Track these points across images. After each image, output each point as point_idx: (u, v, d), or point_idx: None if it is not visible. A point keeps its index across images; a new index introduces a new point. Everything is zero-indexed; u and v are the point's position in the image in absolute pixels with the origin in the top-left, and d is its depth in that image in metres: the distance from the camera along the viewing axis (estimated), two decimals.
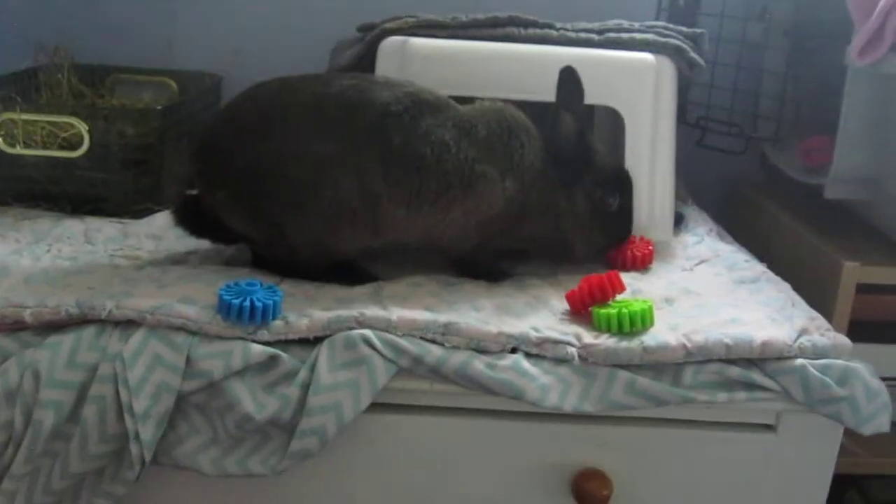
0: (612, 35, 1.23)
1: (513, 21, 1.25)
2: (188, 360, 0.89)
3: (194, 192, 1.07)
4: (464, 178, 1.01)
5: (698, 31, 1.27)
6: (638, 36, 1.22)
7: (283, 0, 1.56)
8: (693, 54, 1.23)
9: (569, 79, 1.06)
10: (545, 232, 1.07)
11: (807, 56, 1.34)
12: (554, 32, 1.24)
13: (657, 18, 1.45)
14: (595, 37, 1.23)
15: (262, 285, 0.93)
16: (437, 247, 1.06)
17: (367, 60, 1.25)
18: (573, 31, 1.25)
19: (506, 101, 1.09)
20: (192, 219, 1.07)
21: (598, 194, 1.08)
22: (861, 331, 1.12)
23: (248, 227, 1.02)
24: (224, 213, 1.02)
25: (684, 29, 1.26)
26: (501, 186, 1.02)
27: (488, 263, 1.08)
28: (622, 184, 1.11)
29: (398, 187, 0.99)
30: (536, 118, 1.09)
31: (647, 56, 1.20)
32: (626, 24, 1.27)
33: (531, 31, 1.24)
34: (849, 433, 0.94)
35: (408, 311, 0.94)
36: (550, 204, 1.06)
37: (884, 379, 0.94)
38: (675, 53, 1.22)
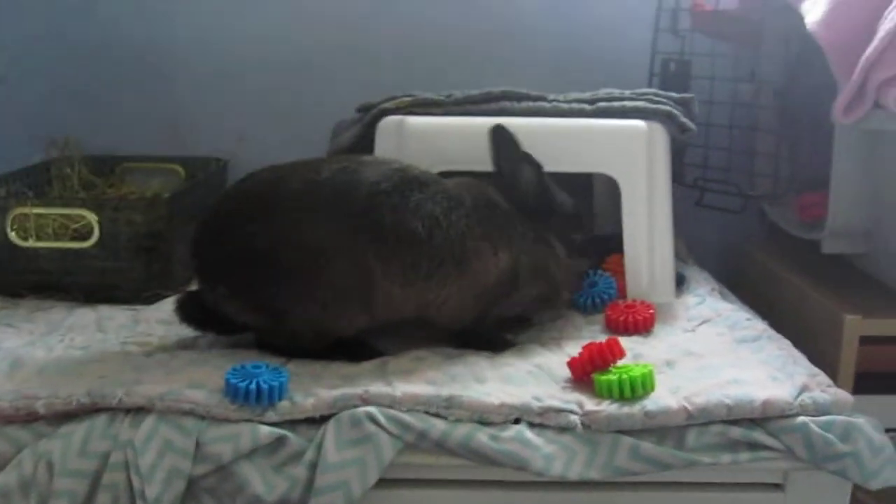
0: (603, 104, 1.26)
1: (506, 95, 1.29)
2: (198, 445, 0.90)
3: (194, 288, 1.10)
4: (455, 254, 1.04)
5: (688, 95, 1.30)
6: (629, 104, 1.26)
7: (284, 85, 1.61)
8: (683, 119, 1.26)
9: (501, 136, 1.12)
10: (540, 290, 1.11)
11: (798, 114, 1.36)
12: (546, 104, 1.27)
13: (649, 85, 1.48)
14: (587, 107, 1.26)
15: (267, 367, 0.95)
16: (436, 322, 1.08)
17: (366, 140, 1.29)
18: (565, 101, 1.28)
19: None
20: (196, 314, 1.10)
21: (568, 235, 1.14)
22: (866, 383, 1.13)
23: (249, 318, 1.05)
24: (225, 306, 1.05)
25: (674, 94, 1.29)
26: (494, 260, 1.05)
27: (490, 334, 1.10)
28: (581, 218, 1.18)
29: (392, 265, 1.02)
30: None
31: (638, 123, 1.23)
32: (616, 92, 1.30)
33: (524, 104, 1.28)
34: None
35: (411, 385, 0.95)
36: (540, 261, 1.10)
37: (892, 430, 0.95)
38: (666, 119, 1.25)
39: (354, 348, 1.06)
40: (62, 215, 1.25)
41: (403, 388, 0.95)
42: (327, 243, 1.00)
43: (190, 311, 1.10)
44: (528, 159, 1.11)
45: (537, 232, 1.11)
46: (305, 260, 1.00)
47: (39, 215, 1.24)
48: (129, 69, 1.60)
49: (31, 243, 1.23)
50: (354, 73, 1.59)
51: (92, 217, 1.22)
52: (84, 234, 1.23)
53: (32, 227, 1.24)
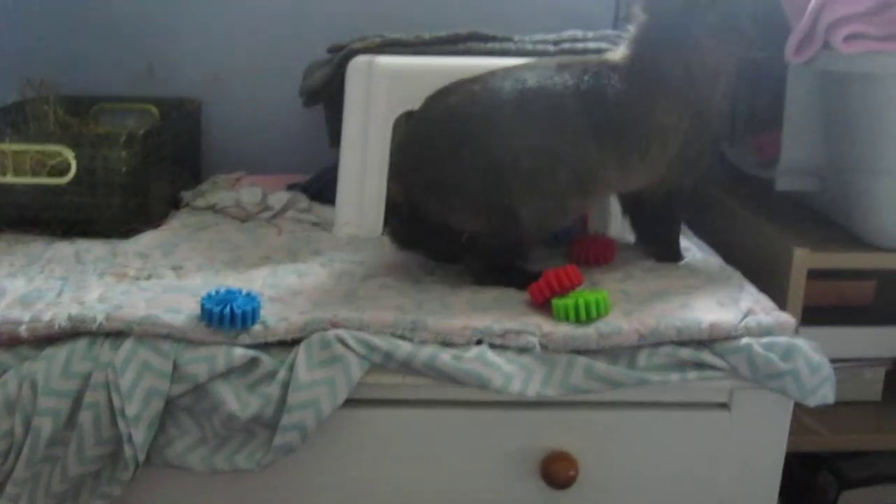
0: (567, 45, 1.30)
1: (473, 36, 1.32)
2: (175, 366, 0.95)
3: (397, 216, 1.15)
4: (654, 131, 1.10)
5: None
6: (591, 45, 1.29)
7: (258, 26, 1.63)
8: None
9: None
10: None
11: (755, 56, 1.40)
12: (512, 45, 1.31)
13: (614, 27, 1.52)
14: (551, 48, 1.30)
15: (241, 293, 0.99)
16: (650, 190, 1.17)
17: (337, 79, 1.32)
18: (531, 42, 1.32)
19: None
20: (409, 236, 1.15)
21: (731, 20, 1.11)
22: (815, 315, 1.19)
23: (479, 221, 1.08)
24: (454, 214, 1.08)
25: None
26: (678, 127, 1.11)
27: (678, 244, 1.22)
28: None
29: (611, 155, 1.09)
30: None
31: None
32: (580, 34, 1.34)
33: (491, 45, 1.31)
34: (811, 413, 0.99)
35: (379, 311, 1.00)
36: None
37: (836, 360, 1.01)
38: None
39: (522, 274, 1.10)
40: (39, 152, 1.27)
41: (371, 312, 0.99)
42: (559, 145, 1.06)
43: (405, 237, 1.15)
44: None
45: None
46: (537, 162, 1.06)
47: (17, 152, 1.26)
48: (103, 11, 1.61)
49: (8, 179, 1.26)
50: (327, 14, 1.61)
51: (69, 153, 1.24)
52: (61, 171, 1.26)
53: (10, 164, 1.26)
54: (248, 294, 1.00)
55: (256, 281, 1.11)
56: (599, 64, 1.12)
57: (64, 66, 1.61)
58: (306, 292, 1.07)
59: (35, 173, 1.27)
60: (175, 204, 1.45)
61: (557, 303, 1.00)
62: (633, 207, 1.24)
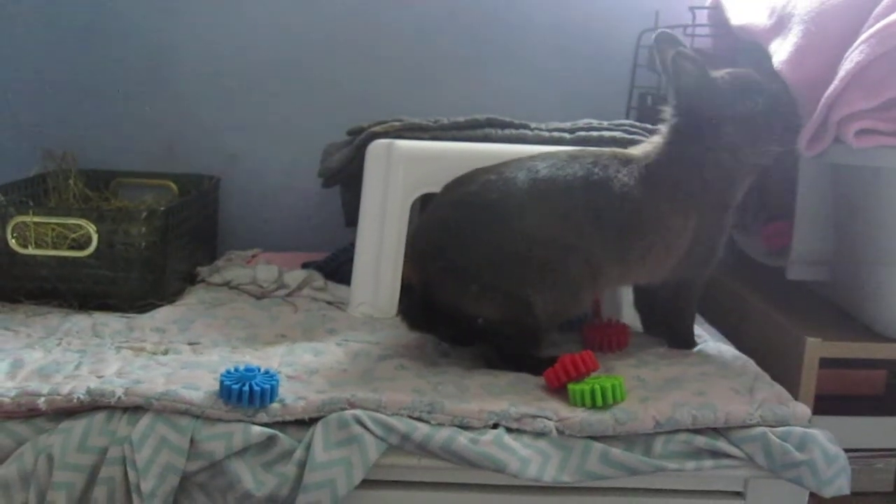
0: (582, 133, 1.33)
1: (490, 123, 1.35)
2: (192, 442, 0.95)
3: (413, 296, 1.16)
4: (658, 228, 1.12)
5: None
6: (606, 133, 1.32)
7: (276, 107, 1.66)
8: None
9: (663, 39, 1.17)
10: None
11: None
12: (529, 132, 1.34)
13: (627, 117, 1.55)
14: (567, 136, 1.33)
15: (260, 371, 1.00)
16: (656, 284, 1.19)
17: (356, 162, 1.35)
18: (546, 130, 1.35)
19: None
20: (423, 318, 1.16)
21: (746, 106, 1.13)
22: (826, 405, 1.19)
23: (493, 308, 1.10)
24: (469, 299, 1.09)
25: (649, 126, 1.35)
26: (685, 225, 1.14)
27: (688, 333, 1.23)
28: (756, 83, 1.15)
29: (612, 249, 1.11)
30: None
31: None
32: (595, 122, 1.37)
33: (508, 131, 1.34)
34: (823, 502, 0.99)
35: (396, 392, 1.01)
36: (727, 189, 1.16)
37: (847, 450, 1.01)
38: None
39: (536, 361, 1.10)
40: (60, 224, 1.29)
41: (389, 393, 1.00)
42: (568, 236, 1.09)
43: (417, 317, 1.16)
44: (685, 55, 1.12)
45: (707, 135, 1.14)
46: (551, 252, 1.08)
47: (38, 224, 1.28)
48: (126, 86, 1.65)
49: (30, 251, 1.27)
50: (345, 96, 1.64)
51: (91, 227, 1.26)
52: (81, 244, 1.28)
53: (32, 236, 1.28)
54: (267, 372, 1.00)
55: (273, 358, 1.11)
56: (611, 157, 1.14)
57: (84, 141, 1.64)
58: (323, 371, 1.08)
59: (55, 246, 1.29)
60: (191, 279, 1.47)
61: (573, 388, 1.01)
62: (645, 297, 1.25)
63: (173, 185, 1.61)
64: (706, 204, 1.14)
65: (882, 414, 1.30)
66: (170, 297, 1.35)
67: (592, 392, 0.99)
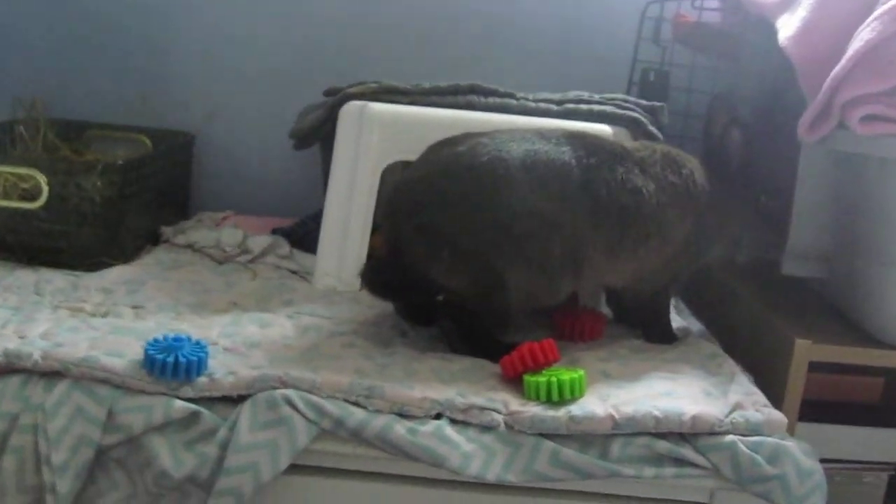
0: (570, 106, 1.25)
1: (474, 89, 1.26)
2: (110, 414, 0.88)
3: (378, 258, 1.11)
4: (657, 225, 1.06)
5: (657, 104, 1.28)
6: (596, 107, 1.24)
7: (256, 67, 1.59)
8: (651, 127, 1.23)
9: (716, 104, 1.17)
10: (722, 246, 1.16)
11: (769, 132, 1.34)
12: (513, 102, 1.25)
13: (628, 92, 1.46)
14: (554, 107, 1.24)
15: (190, 341, 0.93)
16: (625, 290, 1.14)
17: (329, 123, 1.27)
18: (533, 100, 1.26)
19: None
20: (385, 282, 1.08)
21: (761, 197, 1.16)
22: (816, 411, 1.11)
23: (464, 281, 1.03)
24: (438, 269, 1.02)
25: (643, 102, 1.27)
26: (682, 226, 1.09)
27: (666, 326, 1.16)
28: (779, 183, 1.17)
29: (602, 236, 1.04)
30: None
31: (604, 127, 1.21)
32: (585, 95, 1.28)
33: (492, 99, 1.26)
34: None
35: (335, 372, 0.93)
36: (723, 220, 1.13)
37: (835, 461, 0.92)
38: (632, 125, 1.23)
39: (498, 345, 1.03)
40: (13, 174, 1.22)
41: (326, 374, 0.92)
42: (552, 214, 1.01)
43: (378, 280, 1.08)
44: (738, 122, 1.12)
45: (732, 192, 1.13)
46: (534, 228, 1.01)
47: None
48: (104, 37, 1.58)
49: None
50: (328, 57, 1.57)
51: (41, 178, 1.19)
52: (34, 195, 1.21)
53: None
54: (198, 343, 0.93)
55: (214, 328, 1.04)
56: (614, 145, 1.09)
57: (59, 89, 1.58)
58: (264, 345, 1.00)
59: (6, 196, 1.22)
60: (155, 239, 1.40)
61: (529, 379, 0.92)
62: (615, 296, 1.20)
63: (147, 140, 1.54)
64: (695, 213, 1.10)
65: (877, 424, 1.21)
66: (126, 256, 1.28)
67: (548, 385, 0.91)
